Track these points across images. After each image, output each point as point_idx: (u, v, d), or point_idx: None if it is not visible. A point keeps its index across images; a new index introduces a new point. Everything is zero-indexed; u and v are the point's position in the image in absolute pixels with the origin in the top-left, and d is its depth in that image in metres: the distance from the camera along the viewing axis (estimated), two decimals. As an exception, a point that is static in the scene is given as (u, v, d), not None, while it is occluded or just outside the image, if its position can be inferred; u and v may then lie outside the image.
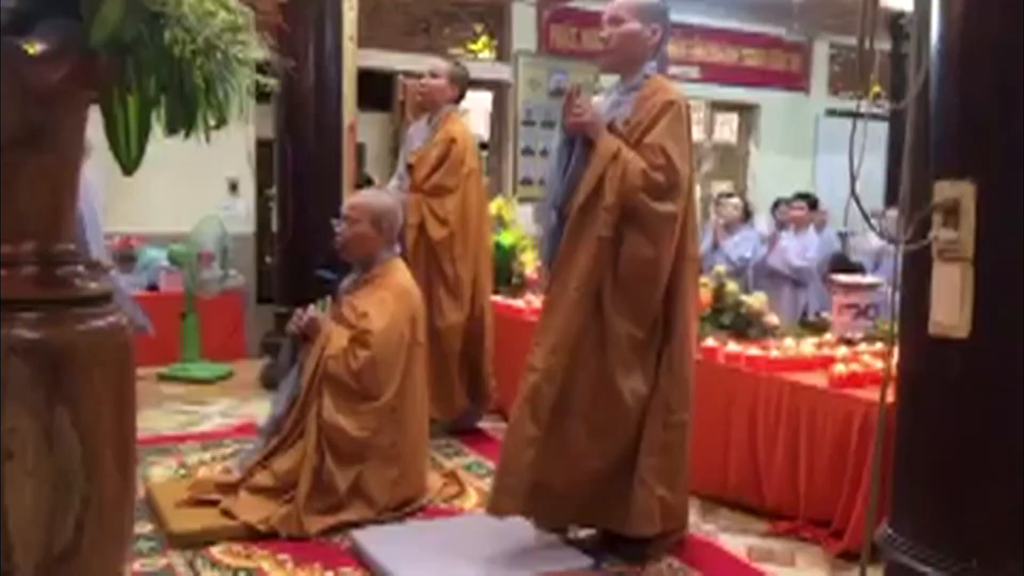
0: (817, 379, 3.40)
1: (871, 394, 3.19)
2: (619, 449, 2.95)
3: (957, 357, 1.76)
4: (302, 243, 5.48)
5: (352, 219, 3.51)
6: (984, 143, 1.72)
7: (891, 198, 8.71)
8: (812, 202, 7.51)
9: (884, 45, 10.58)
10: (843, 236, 8.12)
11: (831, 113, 11.60)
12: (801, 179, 9.79)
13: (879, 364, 3.38)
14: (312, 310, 3.48)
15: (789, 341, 3.82)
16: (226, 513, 3.21)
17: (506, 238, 5.46)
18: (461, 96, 4.65)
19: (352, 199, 3.63)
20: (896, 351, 2.04)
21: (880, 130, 10.05)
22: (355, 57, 5.70)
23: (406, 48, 8.66)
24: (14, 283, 1.62)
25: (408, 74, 7.65)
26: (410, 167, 4.48)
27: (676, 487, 2.99)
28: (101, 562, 1.73)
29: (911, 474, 1.89)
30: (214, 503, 3.27)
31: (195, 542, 3.07)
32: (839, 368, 3.29)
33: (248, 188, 7.62)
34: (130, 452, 1.78)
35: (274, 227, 5.87)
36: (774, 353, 3.56)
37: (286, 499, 3.25)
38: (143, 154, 2.00)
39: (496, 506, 2.96)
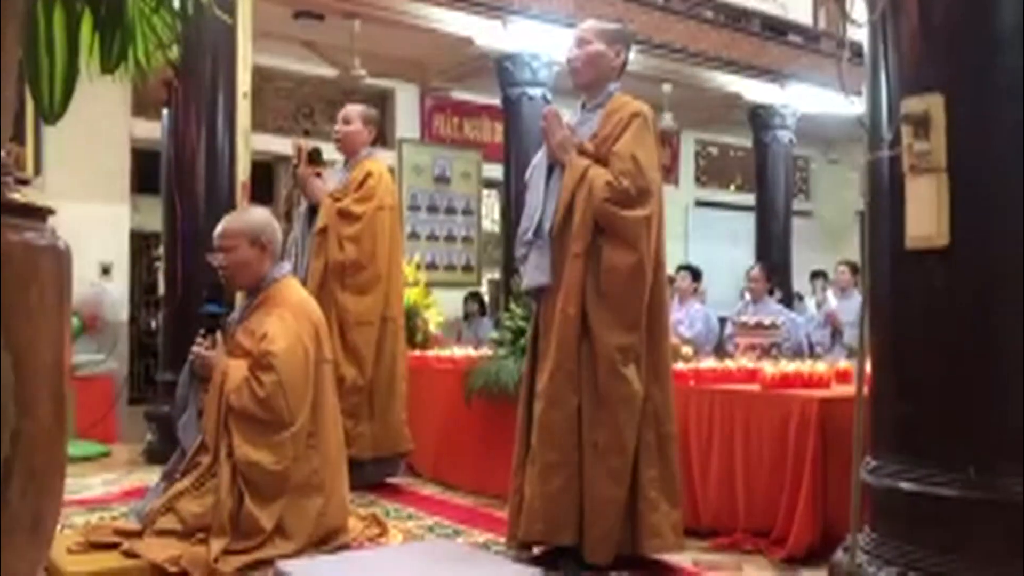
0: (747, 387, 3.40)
1: (804, 392, 3.21)
2: (627, 467, 2.88)
3: (939, 267, 1.77)
4: (193, 305, 5.18)
5: (227, 247, 3.23)
6: (950, 56, 1.78)
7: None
8: (695, 272, 7.74)
9: (745, 141, 11.27)
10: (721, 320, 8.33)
11: (699, 204, 12.17)
12: (674, 265, 10.12)
13: (805, 368, 3.42)
14: (197, 348, 3.15)
15: (710, 361, 3.82)
16: (129, 555, 2.86)
17: (410, 295, 5.32)
18: (376, 138, 4.59)
19: (220, 226, 3.27)
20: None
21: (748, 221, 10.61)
22: (248, 118, 5.55)
23: (288, 133, 8.60)
24: (-63, 185, 1.42)
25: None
26: (336, 199, 4.32)
27: (676, 503, 2.94)
28: (30, 517, 1.48)
29: (902, 395, 1.86)
30: (114, 546, 2.92)
31: (95, 586, 2.70)
32: (769, 370, 3.29)
33: (122, 274, 7.25)
34: (64, 390, 1.56)
35: (160, 290, 5.55)
36: (701, 366, 3.55)
37: (197, 539, 2.93)
38: (70, 98, 1.84)
39: (527, 535, 2.97)
